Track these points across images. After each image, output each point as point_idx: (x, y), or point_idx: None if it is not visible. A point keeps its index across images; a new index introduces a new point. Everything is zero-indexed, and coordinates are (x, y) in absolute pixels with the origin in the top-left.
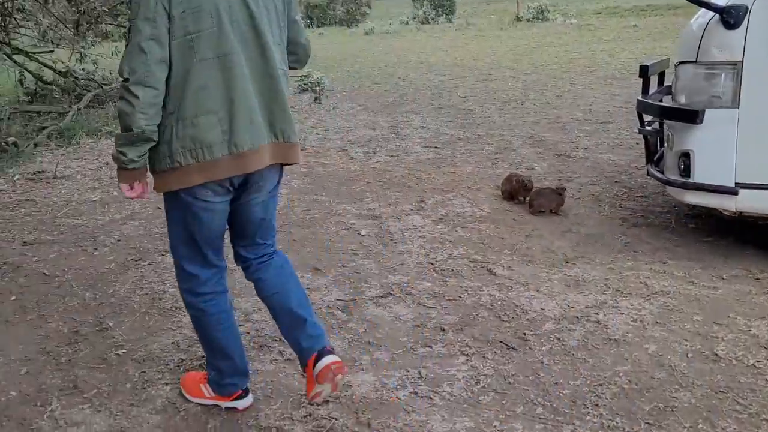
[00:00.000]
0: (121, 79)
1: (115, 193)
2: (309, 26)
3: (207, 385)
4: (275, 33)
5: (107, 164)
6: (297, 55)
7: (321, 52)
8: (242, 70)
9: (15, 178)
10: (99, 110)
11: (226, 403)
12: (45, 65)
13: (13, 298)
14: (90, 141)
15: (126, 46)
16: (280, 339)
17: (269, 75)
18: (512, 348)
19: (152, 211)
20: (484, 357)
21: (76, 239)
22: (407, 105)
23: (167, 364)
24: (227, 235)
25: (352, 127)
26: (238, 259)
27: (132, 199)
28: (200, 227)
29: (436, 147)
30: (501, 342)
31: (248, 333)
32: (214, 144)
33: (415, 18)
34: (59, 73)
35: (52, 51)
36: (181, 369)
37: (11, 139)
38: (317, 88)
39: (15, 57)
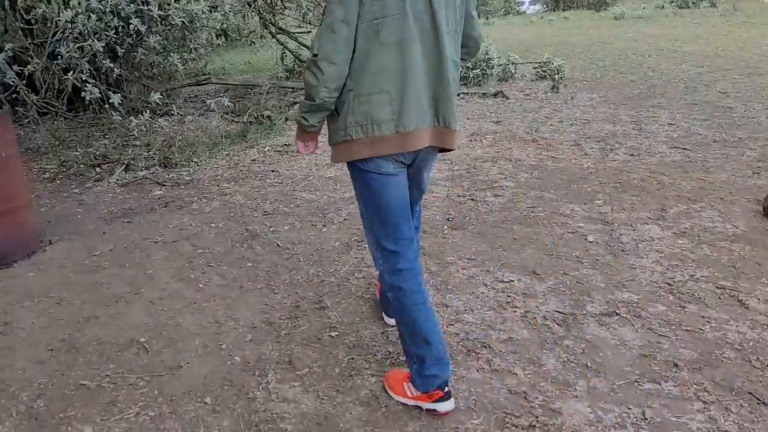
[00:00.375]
0: (311, 54)
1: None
2: (554, 9)
3: (410, 385)
4: (451, 25)
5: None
6: (468, 47)
7: (563, 38)
8: (417, 57)
9: (266, 150)
10: None
11: (427, 405)
12: (303, 45)
13: (249, 264)
14: None
15: (319, 25)
16: (489, 345)
17: (440, 64)
18: (764, 404)
19: None
20: (726, 409)
21: (308, 213)
22: (655, 98)
23: (375, 354)
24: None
25: (589, 119)
26: None
27: (304, 153)
28: (387, 198)
29: (684, 148)
30: (750, 394)
31: (456, 334)
32: (383, 121)
33: (672, 2)
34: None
35: (310, 32)
36: (388, 362)
37: (267, 113)
38: (556, 76)
39: (279, 36)
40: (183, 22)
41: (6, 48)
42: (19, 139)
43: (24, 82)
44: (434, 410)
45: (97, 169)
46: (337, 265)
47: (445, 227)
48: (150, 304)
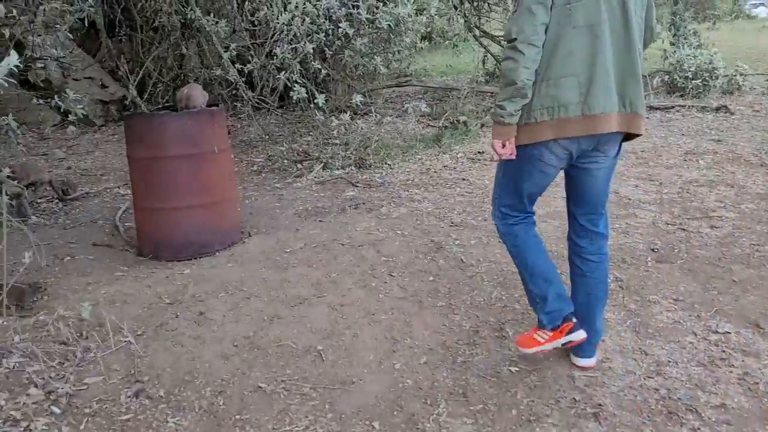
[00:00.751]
0: (507, 40)
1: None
2: None
3: (539, 332)
4: (638, 13)
5: None
6: (645, 36)
7: None
8: (606, 41)
9: (458, 156)
10: None
11: (562, 340)
12: None
13: (431, 279)
14: None
15: (513, 12)
16: (697, 410)
17: (628, 49)
18: None
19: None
20: None
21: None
22: None
23: (558, 401)
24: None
25: None
26: (575, 228)
27: (501, 156)
28: (530, 182)
29: None
30: None
31: (656, 390)
32: (570, 104)
33: None
34: None
35: None
36: (572, 412)
37: (462, 118)
38: None
39: (482, 39)
40: (389, 25)
41: (231, 47)
42: (236, 131)
43: (243, 79)
44: (570, 342)
45: (299, 165)
46: (522, 290)
47: (649, 259)
48: (331, 310)
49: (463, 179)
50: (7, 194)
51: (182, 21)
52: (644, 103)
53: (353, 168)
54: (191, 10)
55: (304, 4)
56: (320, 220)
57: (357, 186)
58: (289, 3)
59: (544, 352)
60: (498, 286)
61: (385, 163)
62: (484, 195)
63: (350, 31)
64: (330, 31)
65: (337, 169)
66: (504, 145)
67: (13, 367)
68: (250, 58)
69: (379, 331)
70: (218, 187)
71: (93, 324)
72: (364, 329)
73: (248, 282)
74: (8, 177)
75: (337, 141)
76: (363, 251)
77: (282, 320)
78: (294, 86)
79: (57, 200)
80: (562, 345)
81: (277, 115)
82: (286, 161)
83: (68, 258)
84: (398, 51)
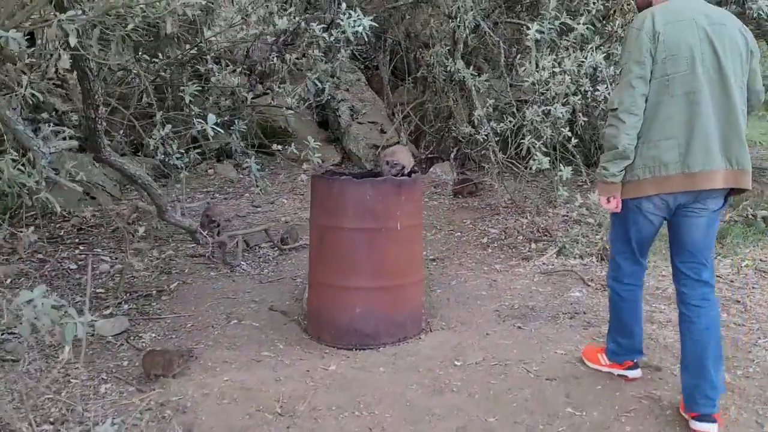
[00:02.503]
0: (610, 109)
1: None
2: None
3: (603, 355)
4: (738, 76)
5: None
6: (750, 101)
7: None
8: (705, 105)
9: (742, 263)
10: None
11: (618, 371)
12: None
13: None
14: None
15: (618, 83)
16: None
17: (729, 110)
18: None
19: None
20: None
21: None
22: None
23: None
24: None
25: None
26: (678, 276)
27: (609, 210)
28: (635, 231)
29: None
30: None
31: None
32: (669, 163)
33: None
34: None
35: None
36: None
37: (763, 212)
38: None
39: None
40: None
41: (488, 103)
42: (481, 195)
43: (497, 139)
44: (625, 376)
45: (532, 245)
46: None
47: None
48: None
49: (738, 301)
50: (205, 241)
51: (446, 72)
52: (749, 159)
53: (594, 259)
54: (453, 61)
55: (565, 59)
56: (520, 326)
57: (588, 285)
58: (547, 57)
59: (600, 371)
60: None
61: None
62: (762, 333)
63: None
64: (588, 93)
65: (574, 257)
66: (609, 201)
67: None
68: (512, 115)
69: None
70: (396, 270)
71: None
72: None
73: (386, 402)
74: (209, 223)
75: (591, 220)
76: (548, 390)
77: None
78: (536, 154)
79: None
80: (617, 374)
81: (528, 181)
82: (521, 237)
83: (235, 321)
84: None
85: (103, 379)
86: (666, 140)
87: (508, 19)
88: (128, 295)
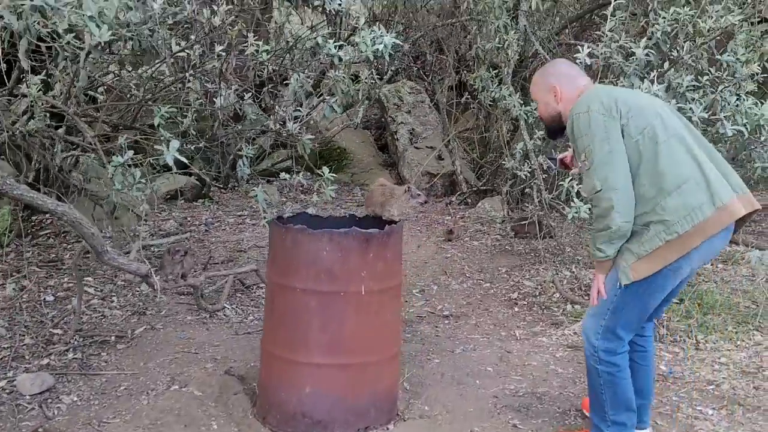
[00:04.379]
0: (592, 194)
1: None
2: None
3: None
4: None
5: None
6: None
7: None
8: (692, 142)
9: None
10: None
11: None
12: None
13: None
14: None
15: (587, 171)
16: None
17: (706, 146)
18: None
19: None
20: None
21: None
22: None
23: None
24: None
25: None
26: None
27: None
28: (660, 296)
29: None
30: None
31: None
32: (702, 204)
33: None
34: None
35: None
36: None
37: None
38: None
39: None
40: (744, 129)
41: (536, 135)
42: (524, 238)
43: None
44: None
45: (568, 307)
46: None
47: None
48: None
49: None
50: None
51: (492, 100)
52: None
53: None
54: (498, 86)
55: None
56: (516, 425)
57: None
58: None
59: None
60: None
61: (696, 337)
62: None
63: None
64: None
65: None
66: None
67: None
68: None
69: None
70: (358, 344)
71: None
72: None
73: None
74: (174, 262)
75: None
76: None
77: None
78: (574, 199)
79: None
80: None
81: (579, 227)
82: (558, 295)
83: (176, 387)
84: None
85: None
86: (686, 183)
87: (567, 40)
88: (82, 339)
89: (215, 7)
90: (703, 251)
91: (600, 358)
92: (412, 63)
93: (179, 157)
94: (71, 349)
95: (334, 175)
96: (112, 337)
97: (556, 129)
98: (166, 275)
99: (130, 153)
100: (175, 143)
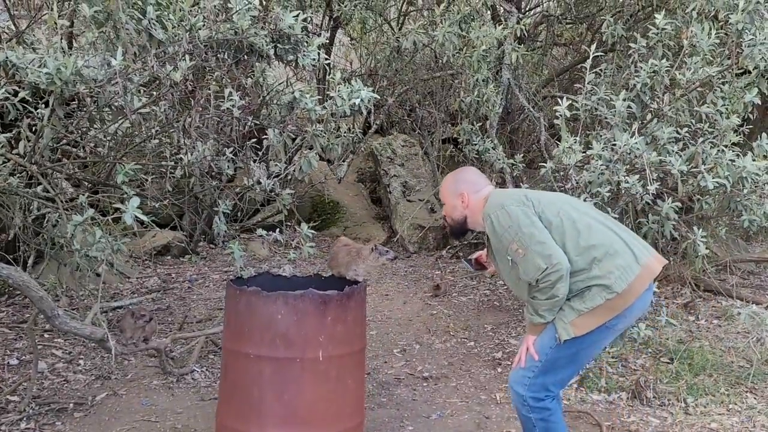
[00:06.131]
0: (535, 279)
1: None
2: None
3: None
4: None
5: None
6: None
7: None
8: (601, 217)
9: None
10: None
11: None
12: None
13: None
14: None
15: (524, 258)
16: None
17: (612, 220)
18: None
19: None
20: None
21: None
22: None
23: None
24: None
25: None
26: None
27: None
28: (595, 352)
29: None
30: None
31: None
32: (630, 264)
33: None
34: None
35: None
36: None
37: None
38: None
39: None
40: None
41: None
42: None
43: None
44: None
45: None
46: None
47: None
48: None
49: None
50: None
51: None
52: None
53: (624, 396)
54: (482, 139)
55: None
56: None
57: None
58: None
59: None
60: None
61: (686, 400)
62: None
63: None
64: (621, 184)
65: (599, 390)
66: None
67: None
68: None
69: None
70: (316, 415)
71: None
72: None
73: None
74: (135, 325)
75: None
76: None
77: None
78: None
79: None
80: None
81: None
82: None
83: None
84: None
85: None
86: (612, 248)
87: (554, 93)
88: (38, 407)
89: (178, 63)
90: (635, 309)
91: (531, 406)
92: (405, 116)
93: (139, 215)
94: (25, 419)
95: (324, 230)
96: (71, 405)
97: (458, 231)
98: (126, 339)
99: (91, 212)
100: (135, 200)
